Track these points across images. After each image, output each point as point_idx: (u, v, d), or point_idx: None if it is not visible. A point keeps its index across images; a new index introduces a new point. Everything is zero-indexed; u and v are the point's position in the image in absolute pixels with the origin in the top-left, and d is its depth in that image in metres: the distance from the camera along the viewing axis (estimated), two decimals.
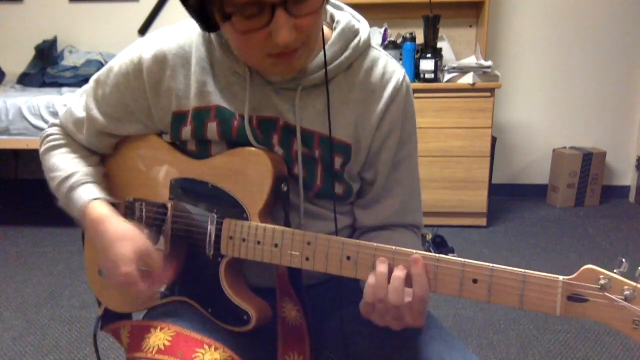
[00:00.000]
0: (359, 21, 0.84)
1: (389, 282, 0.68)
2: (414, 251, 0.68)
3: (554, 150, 3.47)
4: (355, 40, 0.81)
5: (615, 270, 0.60)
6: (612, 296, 0.59)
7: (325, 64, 0.77)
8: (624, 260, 0.59)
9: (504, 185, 3.61)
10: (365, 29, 0.83)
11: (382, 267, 0.69)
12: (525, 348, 1.86)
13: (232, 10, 0.65)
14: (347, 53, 0.80)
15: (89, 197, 0.83)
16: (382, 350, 0.79)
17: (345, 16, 0.82)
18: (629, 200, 3.55)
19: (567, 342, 1.90)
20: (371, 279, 0.70)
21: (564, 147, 3.47)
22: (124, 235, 0.77)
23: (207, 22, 0.70)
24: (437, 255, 0.68)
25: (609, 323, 0.59)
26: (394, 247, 0.69)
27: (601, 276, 0.59)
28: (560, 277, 0.61)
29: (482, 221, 3.06)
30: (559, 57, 3.42)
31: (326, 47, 0.77)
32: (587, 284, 0.60)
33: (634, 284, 0.58)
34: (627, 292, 0.58)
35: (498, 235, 2.96)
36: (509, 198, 3.58)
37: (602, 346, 1.87)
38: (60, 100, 2.84)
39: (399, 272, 0.68)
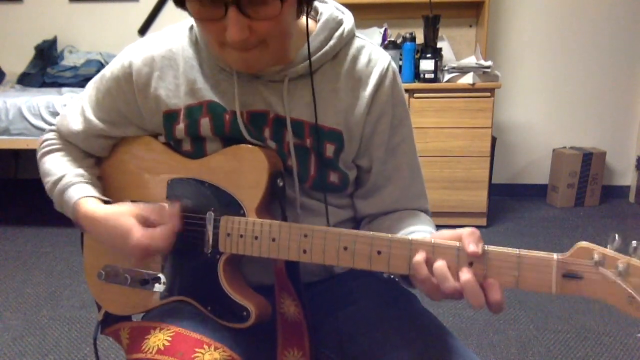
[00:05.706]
0: (343, 12, 0.85)
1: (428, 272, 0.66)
2: (457, 243, 0.66)
3: (554, 150, 3.47)
4: (340, 30, 0.82)
5: (608, 246, 0.60)
6: (606, 272, 0.59)
7: (310, 55, 0.79)
8: (617, 235, 0.60)
9: (504, 185, 3.61)
10: (349, 20, 0.84)
11: (441, 263, 0.65)
12: (525, 348, 1.86)
13: None
14: (331, 42, 0.81)
15: (78, 195, 0.84)
16: (380, 351, 0.79)
17: (328, 8, 0.84)
18: (629, 200, 3.55)
19: (567, 342, 1.90)
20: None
21: (564, 147, 3.47)
22: (119, 212, 0.79)
23: None
24: (432, 240, 0.67)
25: (604, 299, 0.60)
26: (390, 235, 0.69)
27: (595, 253, 0.60)
28: (555, 255, 0.62)
29: (482, 221, 3.06)
30: (559, 57, 3.42)
31: (310, 38, 0.79)
32: (581, 260, 0.61)
33: (627, 258, 0.59)
34: (620, 268, 0.59)
35: (498, 235, 2.96)
36: (509, 198, 3.58)
37: (602, 346, 1.87)
38: (60, 101, 2.83)
39: (470, 276, 0.64)
